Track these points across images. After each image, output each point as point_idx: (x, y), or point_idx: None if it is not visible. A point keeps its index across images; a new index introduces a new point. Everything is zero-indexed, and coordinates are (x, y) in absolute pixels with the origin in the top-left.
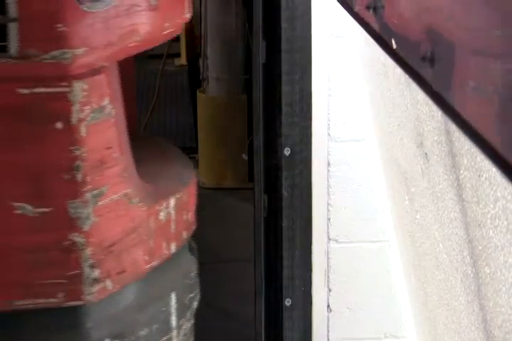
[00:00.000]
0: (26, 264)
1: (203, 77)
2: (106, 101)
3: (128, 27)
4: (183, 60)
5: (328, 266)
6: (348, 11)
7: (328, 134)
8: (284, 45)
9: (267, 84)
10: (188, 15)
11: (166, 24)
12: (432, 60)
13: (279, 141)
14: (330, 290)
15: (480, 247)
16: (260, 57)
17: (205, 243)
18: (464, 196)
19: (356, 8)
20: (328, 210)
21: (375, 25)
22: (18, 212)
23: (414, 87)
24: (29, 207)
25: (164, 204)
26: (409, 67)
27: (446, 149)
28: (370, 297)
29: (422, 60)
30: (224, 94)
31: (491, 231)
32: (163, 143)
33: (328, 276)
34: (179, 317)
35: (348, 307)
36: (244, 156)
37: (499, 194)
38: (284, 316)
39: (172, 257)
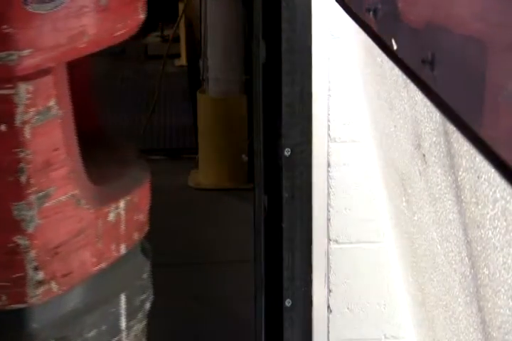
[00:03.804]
0: None
1: (202, 78)
2: (52, 103)
3: (77, 28)
4: (183, 61)
5: (328, 267)
6: (348, 13)
7: (328, 135)
8: (284, 46)
9: (267, 85)
10: (142, 16)
11: (118, 25)
12: (432, 63)
13: (279, 141)
14: (330, 290)
15: (479, 248)
16: (260, 57)
17: (205, 243)
18: (462, 197)
19: (356, 11)
20: (329, 211)
21: (375, 28)
22: None
23: (412, 88)
24: None
25: (114, 206)
26: (409, 69)
27: (445, 150)
28: (370, 297)
29: (422, 62)
30: (224, 94)
31: (490, 232)
32: (122, 144)
33: (329, 277)
34: (129, 318)
35: (348, 308)
36: (244, 157)
37: (498, 195)
38: (284, 316)
39: (123, 258)
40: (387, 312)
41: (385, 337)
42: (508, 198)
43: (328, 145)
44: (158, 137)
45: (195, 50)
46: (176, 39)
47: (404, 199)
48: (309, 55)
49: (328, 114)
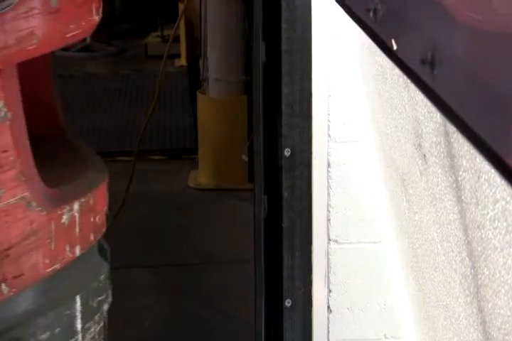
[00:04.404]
0: None
1: (202, 78)
2: (0, 105)
3: (26, 30)
4: (183, 61)
5: (328, 267)
6: (348, 13)
7: (328, 135)
8: (284, 46)
9: (267, 85)
10: (96, 18)
11: (70, 26)
12: (432, 63)
13: (279, 141)
14: (330, 291)
15: (479, 249)
16: (260, 57)
17: (205, 243)
18: (462, 197)
19: (356, 11)
20: (329, 211)
21: (375, 28)
22: None
23: (412, 88)
24: None
25: (67, 208)
26: (409, 69)
27: (445, 150)
28: (370, 298)
29: (422, 62)
30: (224, 94)
31: (490, 233)
32: (82, 147)
33: (329, 277)
34: (85, 320)
35: (348, 308)
36: (245, 157)
37: (498, 195)
38: (284, 317)
39: (78, 260)
40: (387, 312)
41: (385, 337)
42: (508, 199)
43: (328, 146)
44: (158, 137)
45: (195, 50)
46: (176, 39)
47: (405, 200)
48: (309, 55)
49: (328, 114)
